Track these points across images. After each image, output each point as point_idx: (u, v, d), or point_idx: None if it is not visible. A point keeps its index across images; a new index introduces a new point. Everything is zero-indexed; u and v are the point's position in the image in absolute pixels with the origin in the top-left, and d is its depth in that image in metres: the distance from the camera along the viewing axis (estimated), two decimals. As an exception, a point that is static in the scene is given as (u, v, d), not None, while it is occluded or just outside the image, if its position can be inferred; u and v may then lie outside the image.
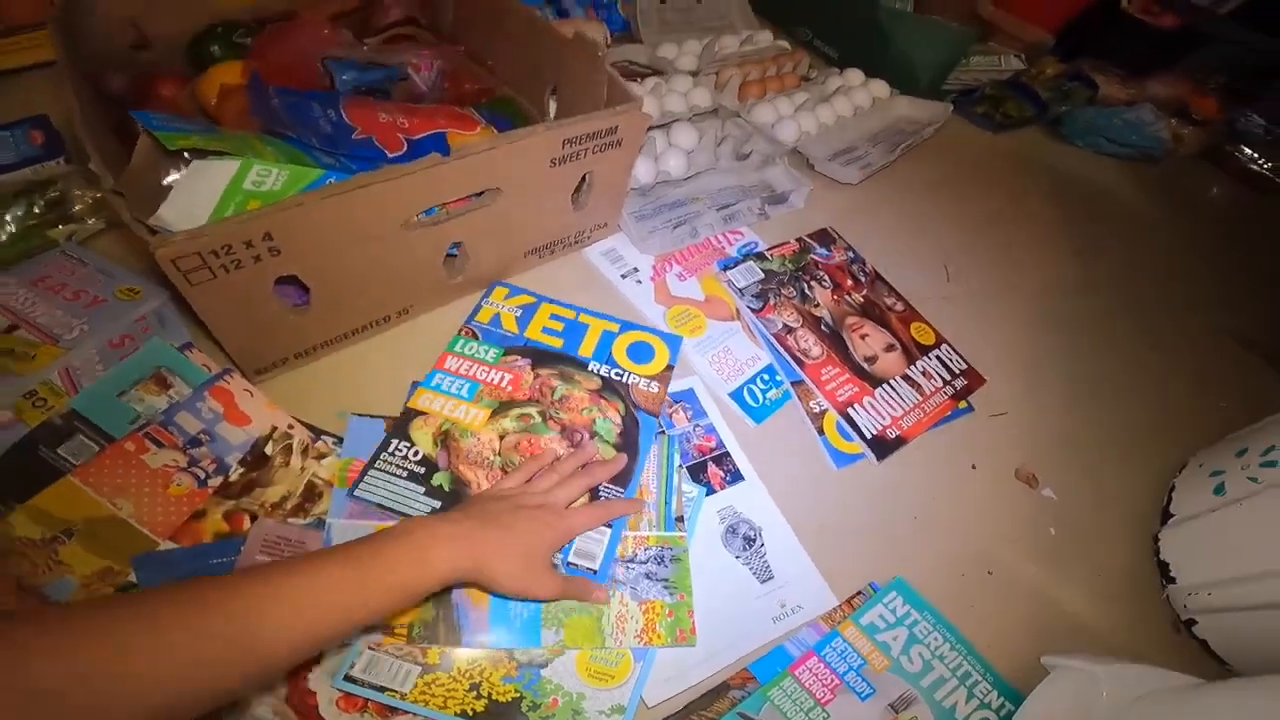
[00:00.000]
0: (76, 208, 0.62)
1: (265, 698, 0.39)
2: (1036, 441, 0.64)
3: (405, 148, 0.52)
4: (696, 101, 0.85)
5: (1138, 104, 1.21)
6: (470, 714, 0.40)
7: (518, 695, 0.42)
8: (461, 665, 0.42)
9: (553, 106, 0.70)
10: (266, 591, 0.30)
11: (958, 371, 0.65)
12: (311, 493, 0.47)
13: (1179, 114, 1.28)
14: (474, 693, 0.41)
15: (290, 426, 0.49)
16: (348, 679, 0.40)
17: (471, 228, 0.55)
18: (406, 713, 0.40)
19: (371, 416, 0.51)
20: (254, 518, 0.45)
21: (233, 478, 0.46)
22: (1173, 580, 0.57)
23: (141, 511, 0.43)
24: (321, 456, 0.48)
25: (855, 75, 1.01)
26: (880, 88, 0.99)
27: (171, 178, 0.49)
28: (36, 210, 0.59)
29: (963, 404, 0.64)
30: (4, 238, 0.57)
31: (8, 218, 0.58)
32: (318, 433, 0.50)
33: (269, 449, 0.48)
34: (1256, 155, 1.27)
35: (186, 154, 0.48)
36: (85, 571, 0.40)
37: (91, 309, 0.52)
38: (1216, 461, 0.60)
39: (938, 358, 0.66)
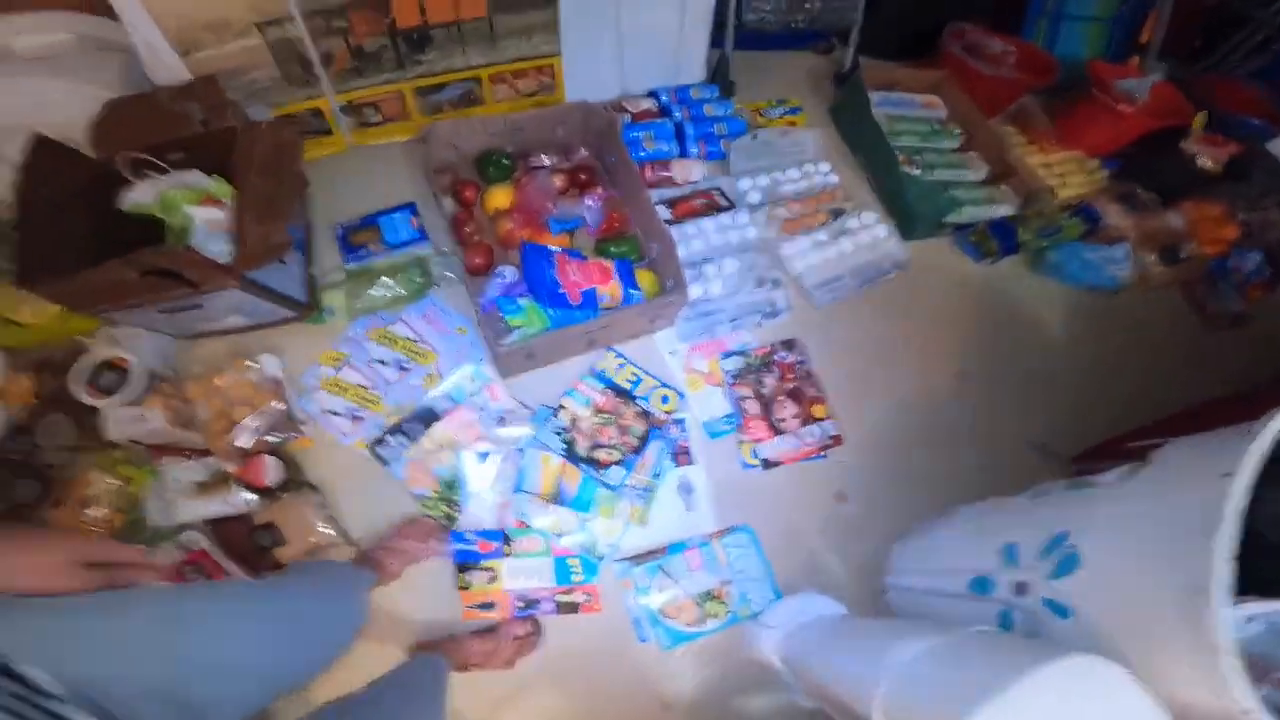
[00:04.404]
0: (434, 273, 1.36)
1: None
2: (859, 480, 1.24)
3: (580, 299, 1.19)
4: (747, 236, 1.45)
5: (1116, 243, 1.57)
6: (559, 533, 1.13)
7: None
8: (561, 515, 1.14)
9: (654, 249, 1.34)
10: None
11: (828, 436, 1.25)
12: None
13: (1166, 250, 1.61)
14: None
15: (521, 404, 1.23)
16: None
17: (610, 333, 1.24)
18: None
19: (546, 407, 1.23)
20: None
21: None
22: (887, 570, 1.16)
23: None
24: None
25: (870, 216, 1.52)
26: (880, 230, 1.50)
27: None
28: (418, 279, 1.34)
29: (822, 453, 1.24)
30: (405, 291, 1.33)
31: (400, 281, 1.32)
32: (527, 406, 1.23)
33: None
34: (1214, 295, 1.59)
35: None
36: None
37: (444, 335, 1.27)
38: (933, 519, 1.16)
39: (820, 427, 1.26)
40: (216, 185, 1.13)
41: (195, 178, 1.12)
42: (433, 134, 1.38)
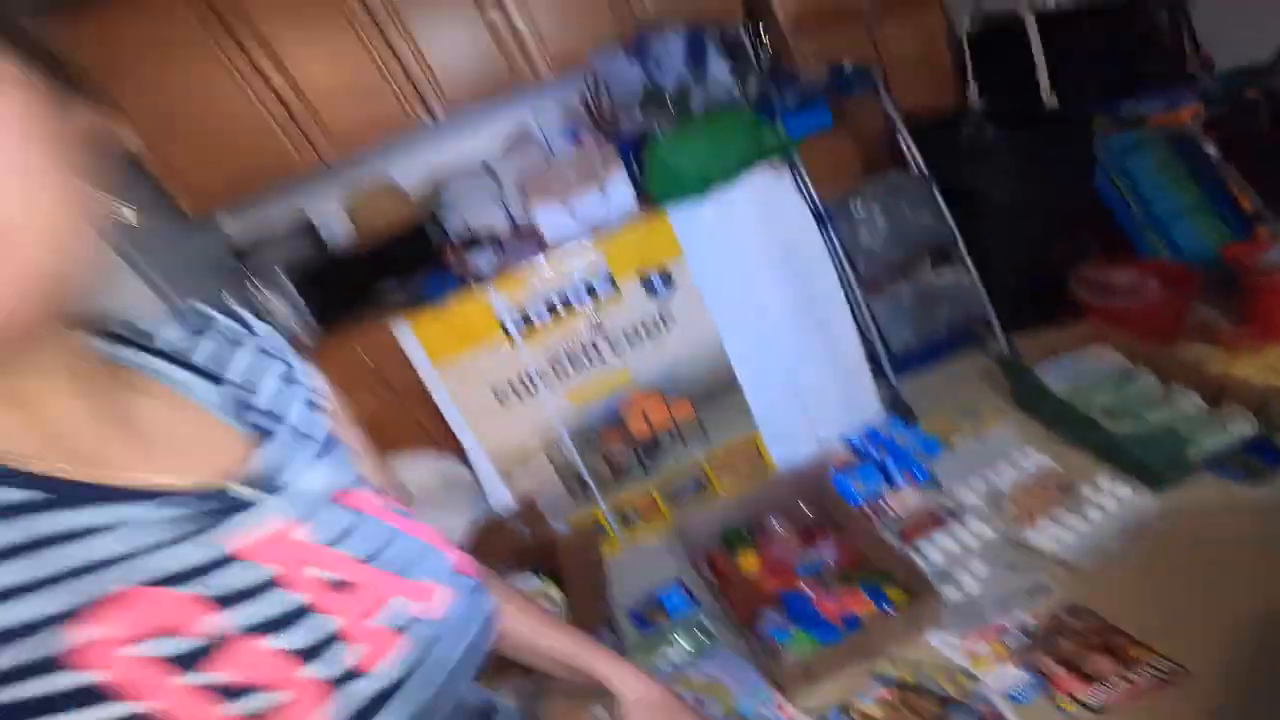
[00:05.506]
0: (711, 629, 1.57)
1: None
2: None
3: (841, 624, 1.35)
4: (986, 537, 1.52)
5: None
6: None
7: None
8: None
9: (897, 571, 1.46)
10: (559, 642, 0.65)
11: (1163, 669, 1.10)
12: None
13: None
14: None
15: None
16: None
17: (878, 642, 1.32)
18: None
19: (836, 709, 1.23)
20: None
21: None
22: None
23: None
24: None
25: (1104, 481, 1.51)
26: (1123, 491, 1.47)
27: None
28: (700, 637, 1.56)
29: (1168, 683, 1.08)
30: (691, 649, 1.53)
31: (685, 640, 1.55)
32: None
33: None
34: None
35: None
36: None
37: (732, 675, 1.40)
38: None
39: (1151, 662, 1.12)
40: (545, 584, 1.63)
41: (529, 580, 1.64)
42: (685, 527, 1.82)
